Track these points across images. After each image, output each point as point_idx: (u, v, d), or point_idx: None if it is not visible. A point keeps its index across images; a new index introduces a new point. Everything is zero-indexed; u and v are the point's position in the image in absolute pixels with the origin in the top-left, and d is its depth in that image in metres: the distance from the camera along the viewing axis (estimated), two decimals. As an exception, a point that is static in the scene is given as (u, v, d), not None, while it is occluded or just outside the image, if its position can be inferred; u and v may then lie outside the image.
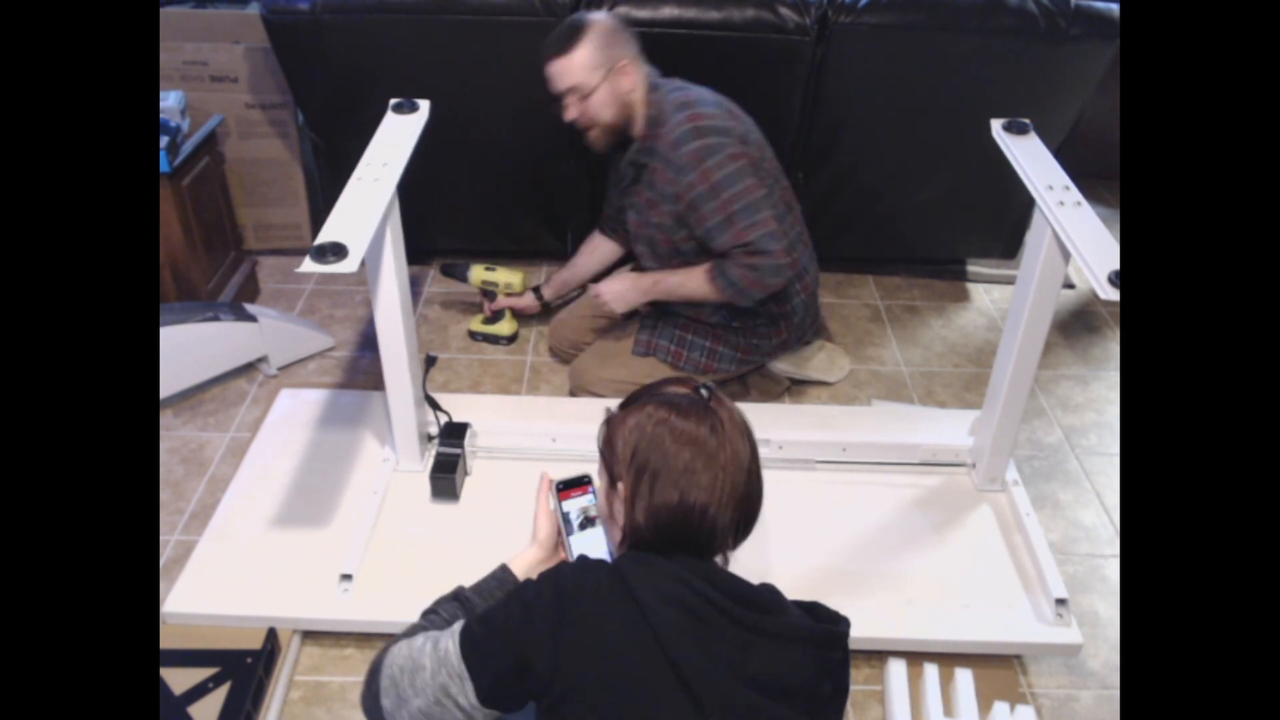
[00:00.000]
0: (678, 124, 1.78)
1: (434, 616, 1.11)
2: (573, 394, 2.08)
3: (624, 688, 0.91)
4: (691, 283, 1.87)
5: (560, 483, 1.22)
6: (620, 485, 1.02)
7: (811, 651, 0.95)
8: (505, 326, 2.27)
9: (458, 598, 1.14)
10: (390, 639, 1.05)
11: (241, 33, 2.29)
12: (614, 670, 0.91)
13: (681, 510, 0.98)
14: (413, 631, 1.06)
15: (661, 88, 1.84)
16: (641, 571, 0.94)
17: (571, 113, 1.85)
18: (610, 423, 1.06)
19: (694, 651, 0.90)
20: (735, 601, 0.94)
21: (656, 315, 2.04)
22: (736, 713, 0.90)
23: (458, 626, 1.00)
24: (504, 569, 1.17)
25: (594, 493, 1.22)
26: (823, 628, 0.97)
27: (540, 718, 0.94)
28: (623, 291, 1.97)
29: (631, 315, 2.09)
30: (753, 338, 2.00)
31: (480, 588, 1.15)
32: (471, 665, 0.96)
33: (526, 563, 1.17)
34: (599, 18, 1.81)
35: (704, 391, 1.04)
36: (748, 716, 0.90)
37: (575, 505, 1.21)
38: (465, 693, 0.96)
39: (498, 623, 0.97)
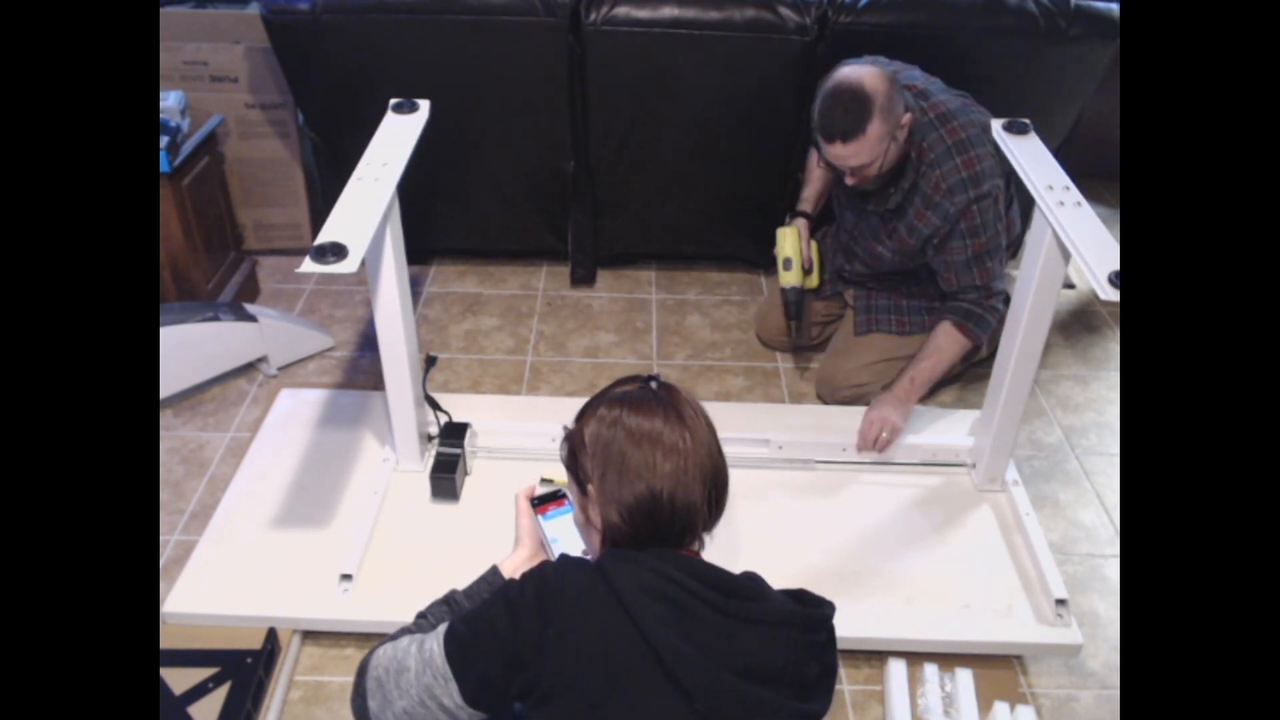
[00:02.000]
0: (951, 171, 1.75)
1: (423, 621, 1.11)
2: (823, 400, 2.10)
3: (611, 681, 0.91)
4: (947, 354, 1.88)
5: (535, 499, 1.23)
6: (590, 489, 1.03)
7: (795, 635, 0.95)
8: (815, 278, 2.13)
9: (448, 601, 1.14)
10: (379, 640, 1.05)
11: (241, 33, 2.29)
12: (600, 665, 0.92)
13: (651, 499, 0.98)
14: (400, 634, 1.06)
15: (916, 110, 1.76)
16: (621, 567, 0.95)
17: (854, 180, 1.79)
18: (570, 436, 1.07)
19: (678, 641, 0.90)
20: (716, 590, 0.94)
21: (866, 296, 2.06)
22: (723, 699, 0.90)
23: (442, 628, 1.00)
24: (494, 571, 1.17)
25: (571, 505, 1.23)
26: (805, 611, 0.98)
27: (527, 716, 0.95)
28: (896, 418, 1.84)
29: (838, 299, 2.16)
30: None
31: (471, 591, 1.15)
32: (456, 666, 0.96)
33: (515, 563, 1.18)
34: (877, 81, 1.67)
35: (653, 384, 1.06)
36: (735, 703, 0.91)
37: (553, 520, 1.22)
38: (450, 693, 0.96)
39: (482, 623, 0.97)
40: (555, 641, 0.92)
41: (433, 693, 0.96)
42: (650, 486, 0.98)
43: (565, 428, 1.09)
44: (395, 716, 0.98)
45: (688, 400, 1.04)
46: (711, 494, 1.02)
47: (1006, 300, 1.81)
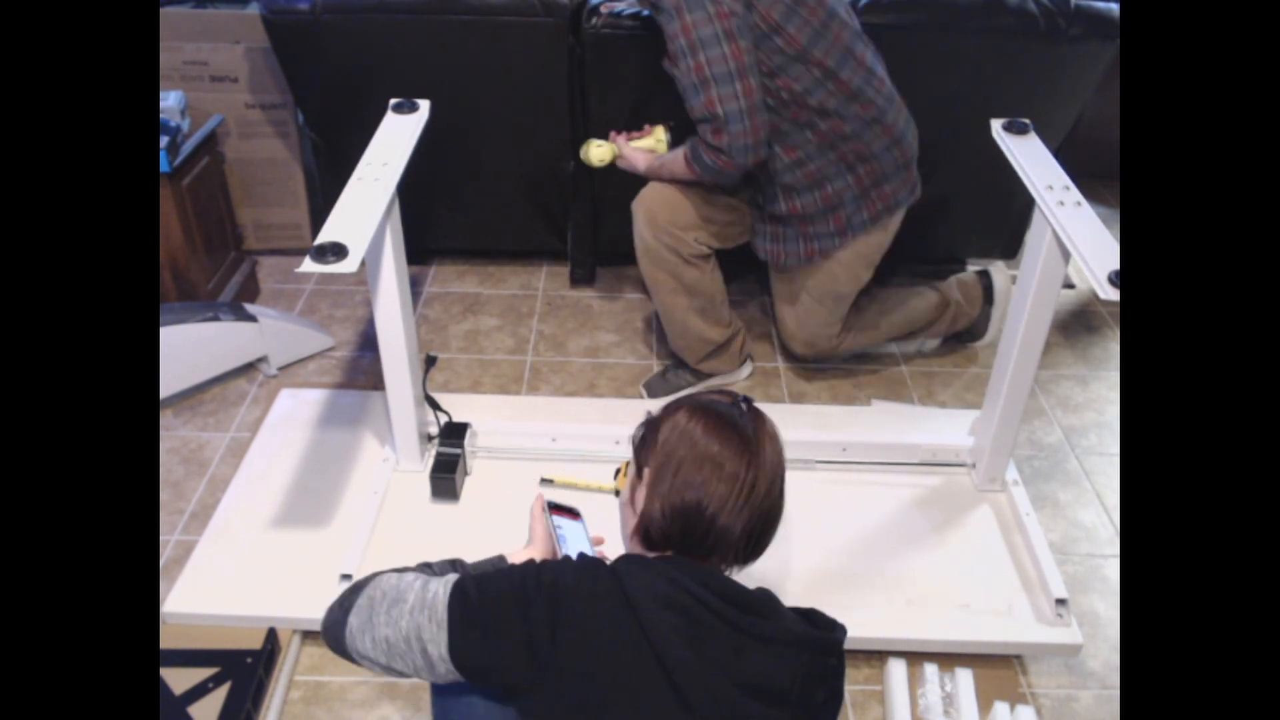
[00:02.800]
0: None
1: (427, 568, 1.11)
2: (805, 357, 2.12)
3: (613, 686, 0.91)
4: (673, 165, 1.86)
5: (550, 503, 1.24)
6: (646, 472, 1.03)
7: (805, 657, 0.94)
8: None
9: (455, 564, 1.14)
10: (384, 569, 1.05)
11: (241, 33, 2.29)
12: (604, 666, 0.91)
13: (695, 511, 0.98)
14: (406, 570, 1.06)
15: None
16: (636, 571, 0.95)
17: None
18: (650, 422, 1.08)
19: (685, 652, 0.90)
20: (729, 604, 0.94)
21: (767, 233, 1.94)
22: (725, 713, 0.90)
23: (452, 577, 0.99)
24: (501, 559, 1.17)
25: (584, 524, 1.25)
26: (817, 633, 0.97)
27: (523, 713, 0.94)
28: (634, 160, 1.96)
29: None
30: (823, 217, 1.87)
31: (477, 567, 1.15)
32: (454, 620, 0.95)
33: (523, 559, 1.17)
34: None
35: (744, 405, 1.05)
36: (736, 718, 0.90)
37: (565, 525, 1.24)
38: (437, 642, 0.95)
39: (491, 595, 0.96)
40: (562, 636, 0.92)
41: (420, 634, 0.95)
42: (700, 500, 0.98)
43: (649, 412, 1.10)
44: (372, 641, 0.97)
45: (770, 432, 1.04)
46: (754, 533, 1.01)
47: (745, 126, 1.69)
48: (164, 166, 1.99)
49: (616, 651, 0.91)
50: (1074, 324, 2.43)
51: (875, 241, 1.94)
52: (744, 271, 2.55)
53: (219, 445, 1.95)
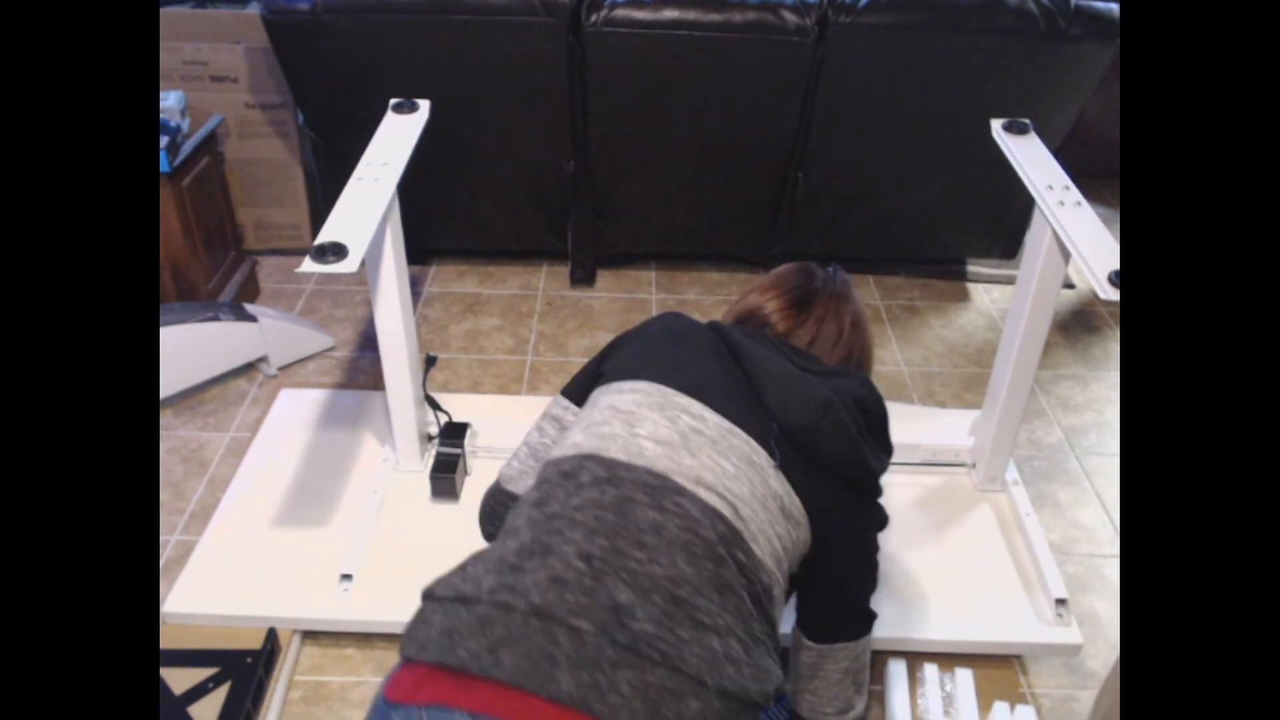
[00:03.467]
0: None
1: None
2: None
3: (684, 345, 1.13)
4: None
5: None
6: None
7: (854, 418, 1.11)
8: None
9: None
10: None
11: (241, 33, 2.29)
12: (676, 337, 1.15)
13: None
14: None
15: None
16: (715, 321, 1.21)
17: None
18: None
19: (751, 347, 1.10)
20: (796, 353, 1.16)
21: None
22: (782, 386, 1.07)
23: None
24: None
25: None
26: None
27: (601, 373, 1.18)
28: None
29: None
30: None
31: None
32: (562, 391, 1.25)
33: None
34: None
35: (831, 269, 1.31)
36: (794, 389, 1.07)
37: None
38: (555, 402, 1.25)
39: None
40: (639, 327, 1.19)
41: (538, 421, 1.24)
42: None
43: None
44: (519, 461, 1.25)
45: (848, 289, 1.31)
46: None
47: None
48: (164, 166, 1.99)
49: (691, 333, 1.15)
50: (1074, 324, 2.43)
51: None
52: (741, 268, 2.55)
53: (219, 445, 1.95)
